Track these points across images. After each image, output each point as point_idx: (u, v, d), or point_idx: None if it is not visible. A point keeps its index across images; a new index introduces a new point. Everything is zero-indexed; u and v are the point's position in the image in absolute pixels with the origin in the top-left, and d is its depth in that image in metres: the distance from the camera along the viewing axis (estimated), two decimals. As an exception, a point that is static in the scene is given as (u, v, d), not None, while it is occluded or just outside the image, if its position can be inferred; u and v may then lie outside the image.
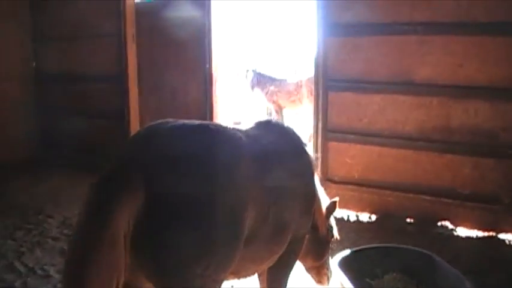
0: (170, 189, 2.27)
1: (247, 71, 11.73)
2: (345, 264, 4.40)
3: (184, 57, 7.73)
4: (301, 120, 11.58)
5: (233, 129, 2.81)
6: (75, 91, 8.78)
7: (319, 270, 4.07)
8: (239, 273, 2.97)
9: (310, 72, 10.74)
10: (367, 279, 4.52)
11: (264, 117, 3.51)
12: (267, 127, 3.25)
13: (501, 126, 5.51)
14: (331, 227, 4.01)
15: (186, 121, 2.61)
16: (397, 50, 5.97)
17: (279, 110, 11.35)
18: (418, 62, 5.87)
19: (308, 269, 4.07)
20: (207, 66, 7.54)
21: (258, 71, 11.81)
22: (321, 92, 6.55)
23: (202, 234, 2.32)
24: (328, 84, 6.49)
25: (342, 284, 4.11)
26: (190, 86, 7.76)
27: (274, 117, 3.80)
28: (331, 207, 3.87)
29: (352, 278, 4.24)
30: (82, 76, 8.63)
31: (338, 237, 4.15)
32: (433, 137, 5.88)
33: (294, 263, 3.50)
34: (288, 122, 11.09)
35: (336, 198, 3.89)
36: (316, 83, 6.64)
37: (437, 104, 5.82)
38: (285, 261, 3.34)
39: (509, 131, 5.48)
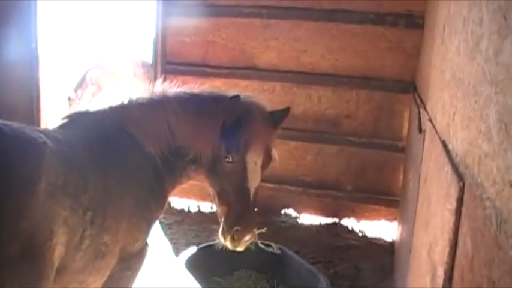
0: None
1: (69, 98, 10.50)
2: (192, 263, 4.09)
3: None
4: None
5: (35, 131, 2.25)
6: None
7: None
8: None
9: (138, 55, 10.16)
10: (216, 278, 4.25)
11: (72, 111, 2.80)
12: (78, 121, 2.68)
13: (344, 113, 5.54)
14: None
15: None
16: (241, 33, 5.72)
17: (98, 90, 10.63)
18: (261, 47, 5.67)
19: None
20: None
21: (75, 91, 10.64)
22: (158, 76, 6.08)
23: None
24: (166, 67, 6.05)
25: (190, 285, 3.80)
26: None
27: (84, 107, 2.91)
28: (282, 115, 3.06)
29: (200, 277, 3.94)
30: None
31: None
32: (277, 124, 5.72)
33: (132, 281, 2.82)
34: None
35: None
36: (154, 66, 6.17)
37: (281, 89, 5.69)
38: (119, 282, 2.71)
39: (352, 118, 5.53)
